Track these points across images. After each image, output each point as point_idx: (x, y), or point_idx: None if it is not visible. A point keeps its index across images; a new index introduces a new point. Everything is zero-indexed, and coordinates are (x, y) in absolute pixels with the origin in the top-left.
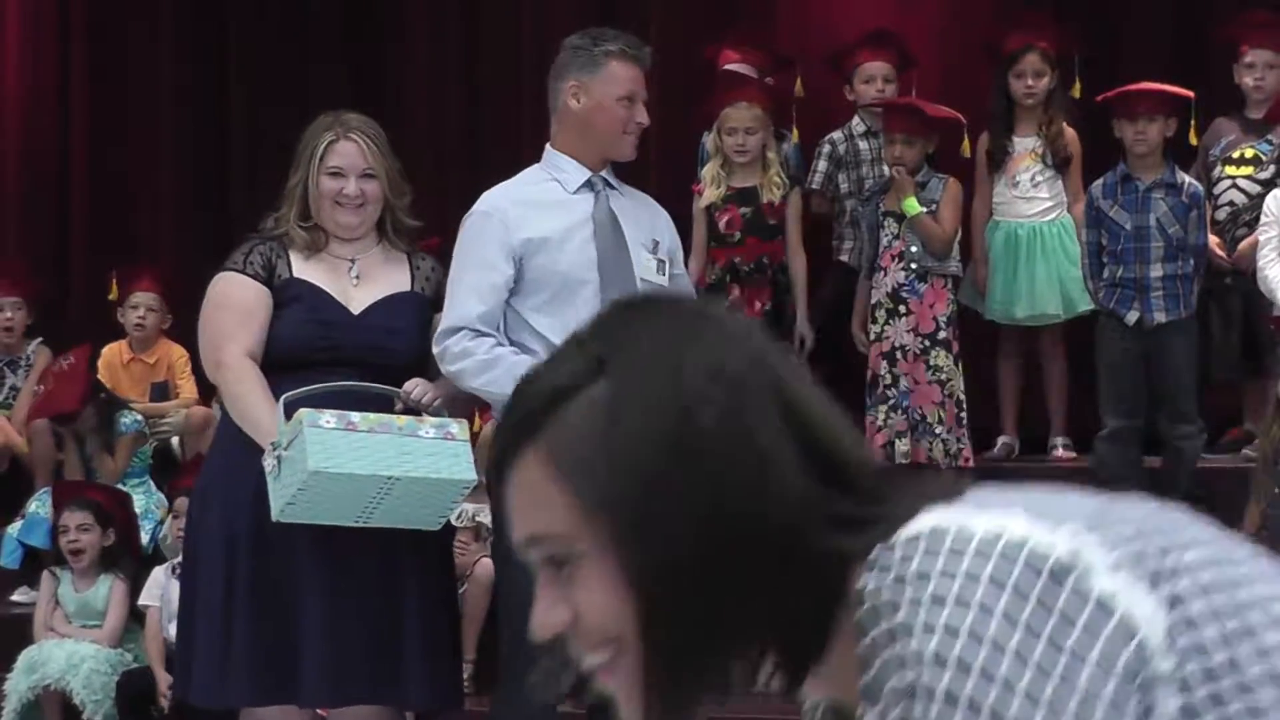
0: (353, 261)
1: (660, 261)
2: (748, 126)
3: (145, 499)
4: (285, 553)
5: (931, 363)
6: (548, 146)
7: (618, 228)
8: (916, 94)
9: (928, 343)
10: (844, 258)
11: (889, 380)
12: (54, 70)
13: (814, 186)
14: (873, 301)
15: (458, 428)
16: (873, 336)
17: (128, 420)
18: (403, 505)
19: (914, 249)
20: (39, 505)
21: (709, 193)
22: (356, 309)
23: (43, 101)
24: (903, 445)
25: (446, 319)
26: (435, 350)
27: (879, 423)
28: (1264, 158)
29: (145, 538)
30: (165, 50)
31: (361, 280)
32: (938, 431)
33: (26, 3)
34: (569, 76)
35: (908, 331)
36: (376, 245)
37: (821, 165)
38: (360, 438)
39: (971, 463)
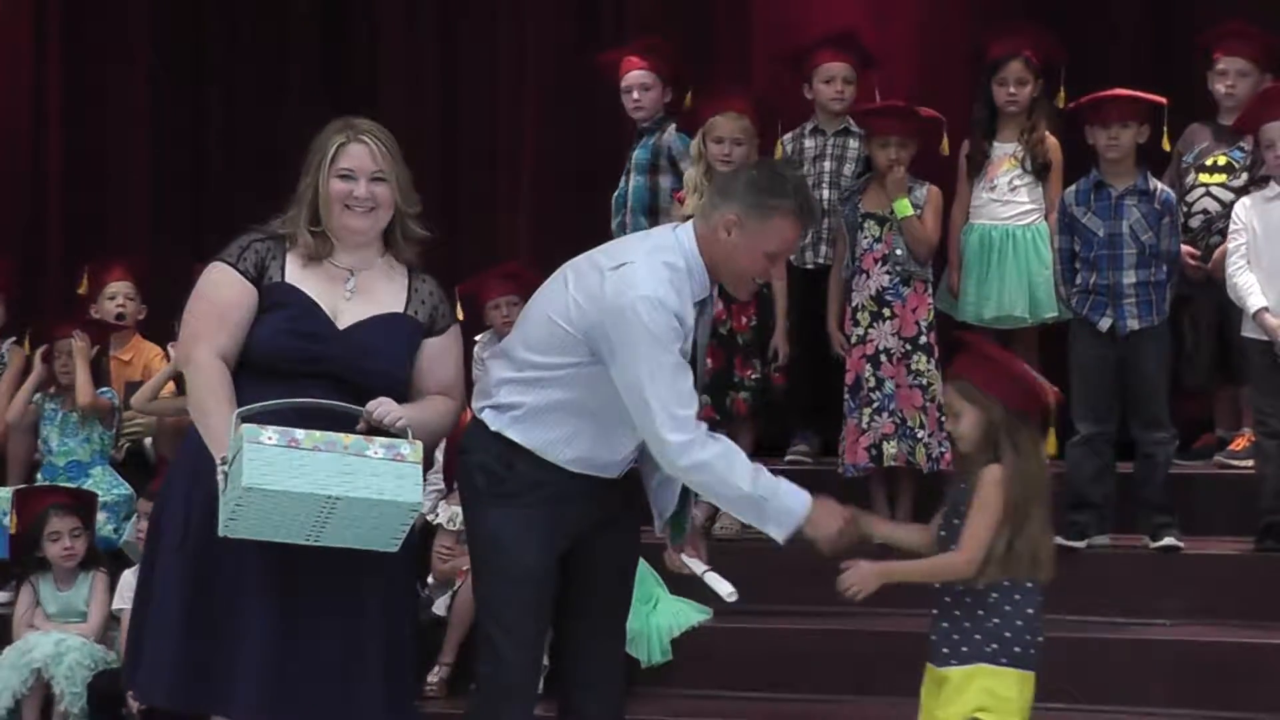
0: (351, 274)
1: None
2: (735, 137)
3: (107, 479)
4: (235, 558)
5: (912, 367)
6: (691, 231)
7: (698, 355)
8: (882, 95)
9: (909, 346)
10: (789, 257)
11: (873, 383)
12: (28, 67)
13: None
14: (854, 304)
15: (409, 449)
16: (854, 339)
17: (103, 389)
18: (351, 525)
19: (899, 252)
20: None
21: (690, 201)
22: (343, 324)
23: (16, 99)
24: (890, 448)
25: (678, 408)
26: (680, 439)
27: (861, 425)
28: (1236, 165)
29: (102, 517)
30: (141, 51)
31: (356, 294)
32: (919, 435)
33: None
34: (733, 206)
35: (891, 335)
36: (380, 258)
37: None
38: (301, 455)
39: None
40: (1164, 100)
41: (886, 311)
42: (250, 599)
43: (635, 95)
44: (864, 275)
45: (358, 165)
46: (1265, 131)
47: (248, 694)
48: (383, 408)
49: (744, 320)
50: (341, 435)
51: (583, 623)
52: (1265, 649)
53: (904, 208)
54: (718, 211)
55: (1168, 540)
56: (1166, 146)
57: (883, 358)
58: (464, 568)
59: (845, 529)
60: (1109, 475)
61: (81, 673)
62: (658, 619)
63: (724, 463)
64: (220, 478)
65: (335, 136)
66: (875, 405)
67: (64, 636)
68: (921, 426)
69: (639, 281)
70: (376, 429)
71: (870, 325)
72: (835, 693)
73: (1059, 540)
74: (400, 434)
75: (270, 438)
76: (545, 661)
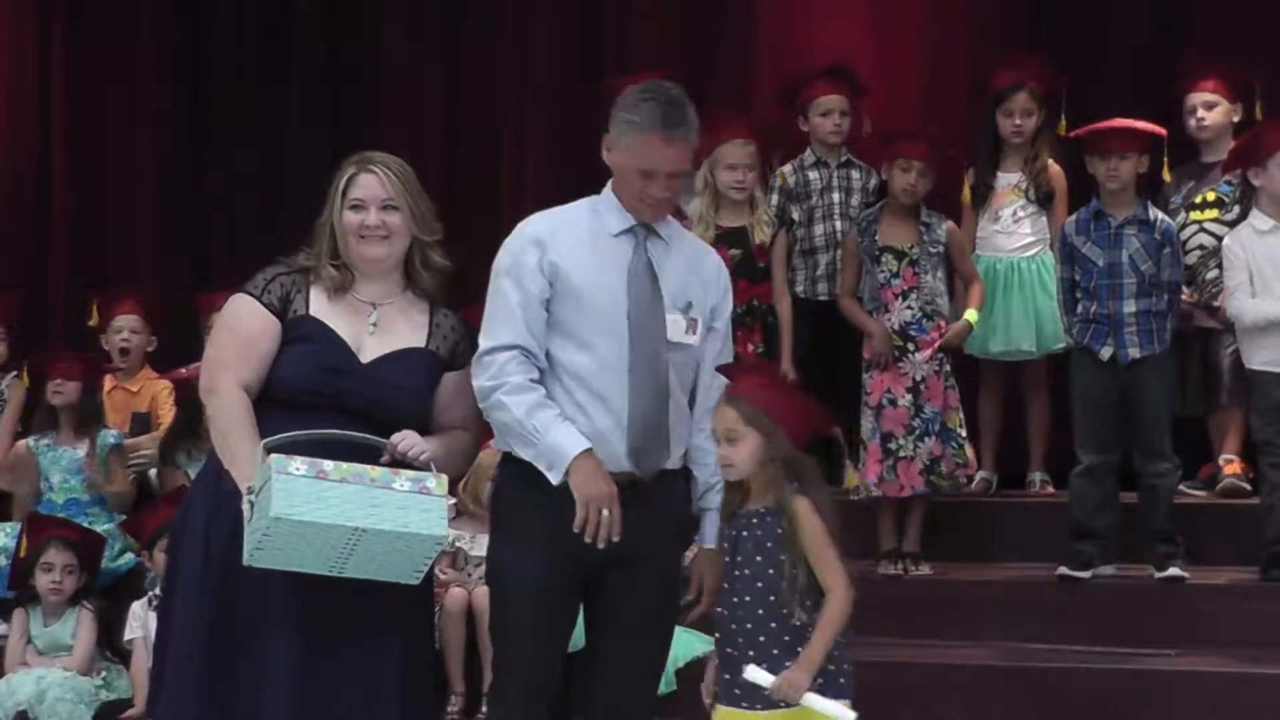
0: (374, 308)
1: (691, 321)
2: (747, 164)
3: (105, 518)
4: (258, 591)
5: (944, 370)
6: (610, 181)
7: (655, 283)
8: (885, 124)
9: (941, 358)
10: (799, 289)
11: (912, 411)
12: (32, 96)
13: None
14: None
15: (435, 483)
16: (882, 365)
17: (107, 436)
18: (375, 557)
19: (926, 277)
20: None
21: (696, 232)
22: (366, 358)
23: (22, 128)
24: (945, 468)
25: (492, 339)
26: (474, 365)
27: (908, 454)
28: (1226, 199)
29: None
30: (144, 76)
31: (378, 329)
32: (963, 436)
33: (4, 24)
34: (609, 127)
35: (923, 363)
36: (400, 293)
37: (775, 199)
38: (329, 486)
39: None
40: (1163, 131)
41: (911, 345)
42: (274, 629)
43: None
44: (883, 309)
45: (368, 194)
46: None
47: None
48: (407, 441)
49: (750, 348)
50: (368, 468)
51: (605, 656)
52: (1270, 679)
53: (972, 316)
54: (604, 136)
55: (1172, 570)
56: (1167, 176)
57: (921, 387)
58: (445, 591)
59: (605, 500)
60: (1113, 506)
61: (65, 708)
62: None
63: (506, 399)
64: (246, 507)
65: (348, 169)
66: (918, 432)
67: (45, 673)
68: (960, 425)
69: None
70: (400, 462)
71: (899, 359)
72: None
73: (1063, 570)
74: (424, 467)
75: (298, 468)
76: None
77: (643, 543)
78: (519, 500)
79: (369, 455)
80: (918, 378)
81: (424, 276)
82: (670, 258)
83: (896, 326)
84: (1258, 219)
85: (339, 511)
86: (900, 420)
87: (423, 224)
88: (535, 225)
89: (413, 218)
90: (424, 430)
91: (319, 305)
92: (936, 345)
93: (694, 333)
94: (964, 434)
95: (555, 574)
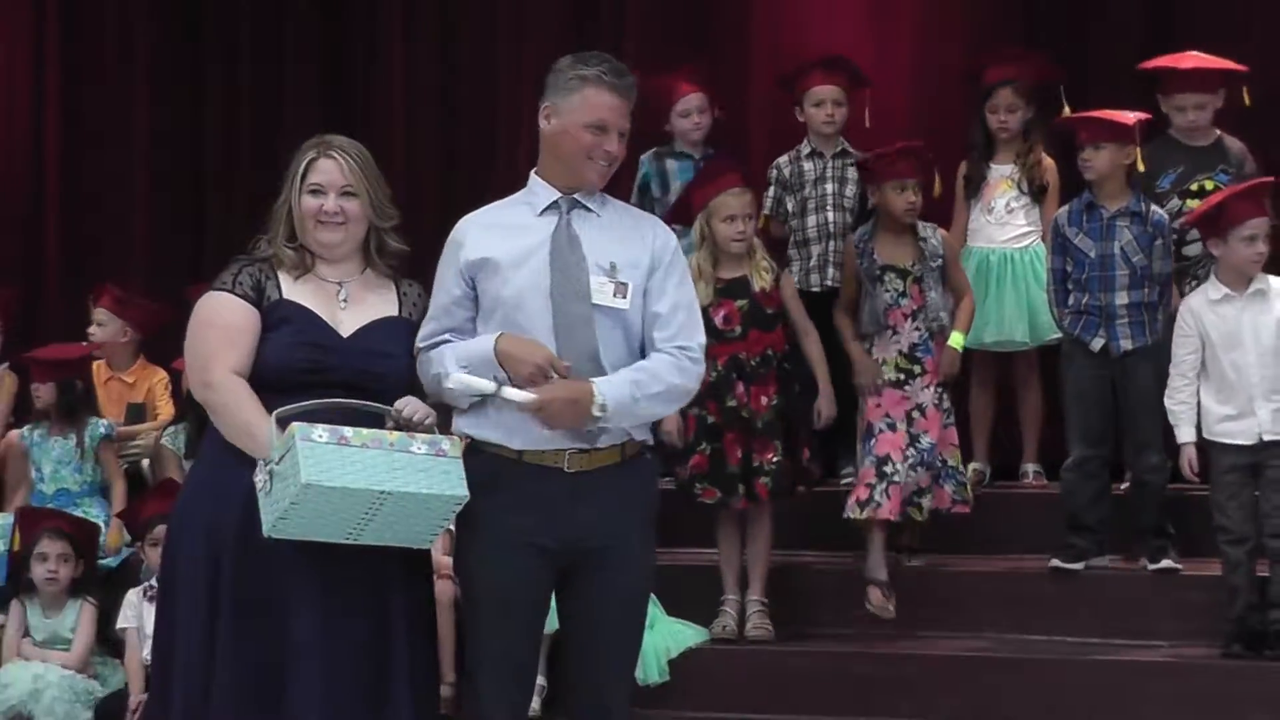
0: (340, 285)
1: (620, 284)
2: (747, 213)
3: (95, 512)
4: (272, 575)
5: (944, 406)
6: (534, 169)
7: (577, 250)
8: (879, 116)
9: (941, 389)
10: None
11: (907, 440)
12: (27, 91)
13: (766, 212)
14: (881, 360)
15: (449, 445)
16: (884, 382)
17: (98, 427)
18: (393, 522)
19: (933, 293)
20: None
21: (697, 289)
22: (346, 332)
23: (16, 128)
24: (928, 502)
25: (419, 336)
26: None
27: (894, 478)
28: (1224, 189)
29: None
30: (141, 73)
31: (350, 304)
32: (964, 475)
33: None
34: (545, 98)
35: (924, 389)
36: (361, 273)
37: (771, 191)
38: (352, 452)
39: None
40: (1130, 121)
41: (917, 368)
42: (289, 608)
43: (695, 118)
44: (890, 331)
45: (327, 180)
46: (1249, 226)
47: (300, 703)
48: (411, 406)
49: (763, 400)
50: (385, 433)
51: (580, 647)
52: (1262, 670)
53: (958, 341)
54: (540, 109)
55: (1165, 562)
56: (1141, 166)
57: (915, 414)
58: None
59: (541, 355)
60: (1105, 499)
61: (62, 707)
62: (655, 639)
63: (422, 371)
64: (263, 479)
65: (307, 153)
66: (910, 461)
67: (42, 671)
68: (959, 462)
69: None
70: (404, 426)
71: (905, 383)
72: (834, 714)
73: (1055, 563)
74: (428, 431)
75: (321, 435)
76: (542, 681)
77: (611, 532)
78: (485, 497)
79: (372, 423)
80: (916, 403)
81: (380, 261)
82: (598, 227)
83: (905, 349)
84: (1212, 287)
85: (364, 476)
86: (898, 445)
87: (380, 210)
88: (460, 227)
89: (370, 204)
90: (414, 395)
91: (290, 288)
92: (936, 381)
93: (623, 296)
94: (965, 473)
95: (520, 571)
